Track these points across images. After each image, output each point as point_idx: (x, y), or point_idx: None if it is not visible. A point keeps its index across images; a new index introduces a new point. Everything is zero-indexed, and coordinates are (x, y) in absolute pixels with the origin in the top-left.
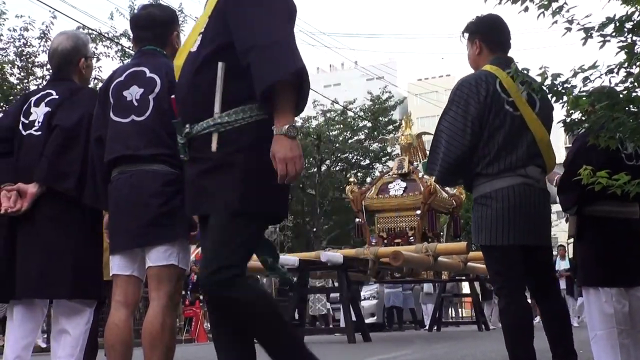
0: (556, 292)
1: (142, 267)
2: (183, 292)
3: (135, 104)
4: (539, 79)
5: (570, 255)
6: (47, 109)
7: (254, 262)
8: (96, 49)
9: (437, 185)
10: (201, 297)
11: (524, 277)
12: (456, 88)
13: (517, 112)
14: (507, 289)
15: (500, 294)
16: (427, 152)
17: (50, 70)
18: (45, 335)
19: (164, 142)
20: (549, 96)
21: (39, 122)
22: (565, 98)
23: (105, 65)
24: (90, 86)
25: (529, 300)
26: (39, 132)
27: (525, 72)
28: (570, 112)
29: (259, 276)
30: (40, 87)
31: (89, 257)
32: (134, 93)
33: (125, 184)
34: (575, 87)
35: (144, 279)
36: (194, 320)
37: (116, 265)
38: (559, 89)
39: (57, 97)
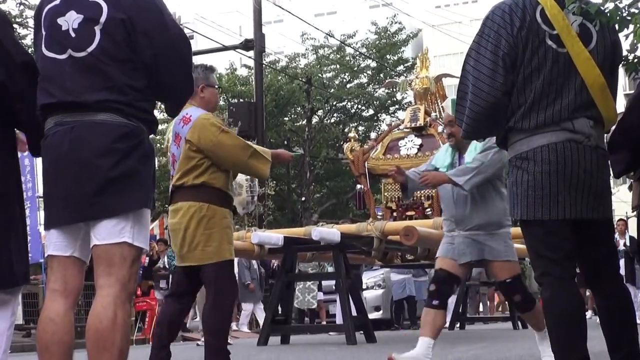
0: (617, 279)
1: (86, 245)
2: None
3: (73, 34)
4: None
5: (633, 232)
6: None
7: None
8: None
9: None
10: (154, 286)
11: (574, 260)
12: (487, 17)
13: (563, 48)
14: (552, 276)
15: (543, 282)
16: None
17: None
18: None
19: (116, 86)
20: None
21: None
22: (631, 27)
23: None
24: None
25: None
26: None
27: None
28: (636, 46)
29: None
30: None
31: (16, 236)
32: (70, 21)
33: (64, 138)
34: None
35: (87, 262)
36: (148, 315)
37: (52, 244)
38: (624, 16)
39: None
